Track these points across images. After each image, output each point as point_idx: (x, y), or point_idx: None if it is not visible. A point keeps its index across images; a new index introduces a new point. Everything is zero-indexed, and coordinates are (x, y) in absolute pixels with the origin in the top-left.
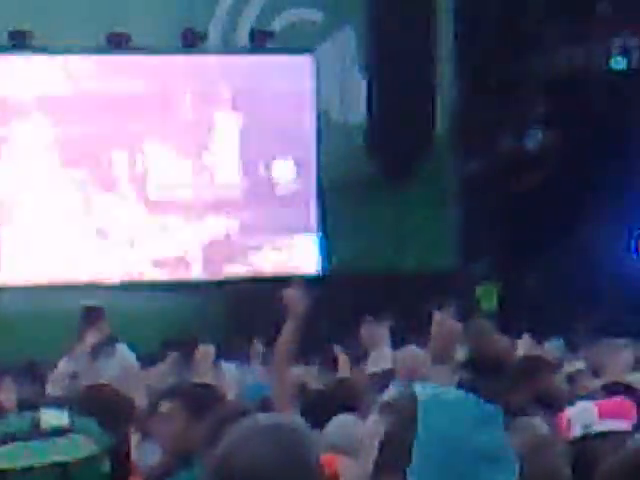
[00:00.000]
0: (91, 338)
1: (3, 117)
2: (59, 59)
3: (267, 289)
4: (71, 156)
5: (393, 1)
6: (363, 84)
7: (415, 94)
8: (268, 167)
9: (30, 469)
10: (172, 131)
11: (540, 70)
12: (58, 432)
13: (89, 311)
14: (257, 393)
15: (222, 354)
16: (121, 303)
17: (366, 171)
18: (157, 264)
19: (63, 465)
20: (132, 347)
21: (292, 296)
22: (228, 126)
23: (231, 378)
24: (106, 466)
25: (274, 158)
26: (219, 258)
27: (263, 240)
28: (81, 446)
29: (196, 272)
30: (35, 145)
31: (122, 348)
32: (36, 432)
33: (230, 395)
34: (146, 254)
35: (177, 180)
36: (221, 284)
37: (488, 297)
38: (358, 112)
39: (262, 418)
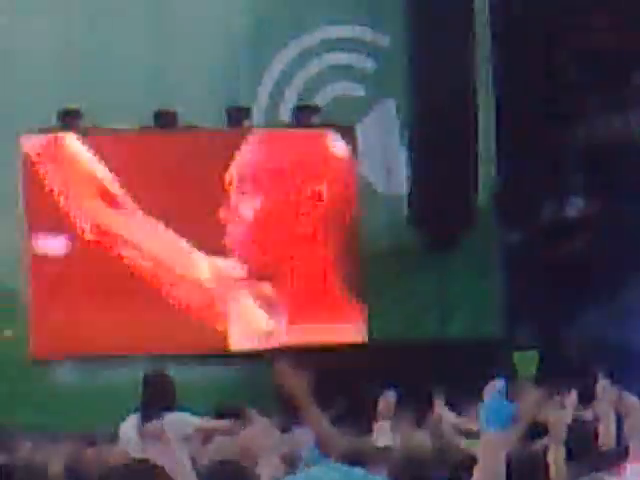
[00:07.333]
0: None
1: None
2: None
3: (315, 359)
4: None
5: (434, 73)
6: (405, 156)
7: (457, 166)
8: None
9: None
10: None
11: (580, 138)
12: None
13: (154, 378)
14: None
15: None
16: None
17: (409, 241)
18: None
19: None
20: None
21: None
22: None
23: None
24: None
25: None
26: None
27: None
28: None
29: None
30: None
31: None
32: None
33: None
34: None
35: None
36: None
37: (526, 363)
38: (401, 183)
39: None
